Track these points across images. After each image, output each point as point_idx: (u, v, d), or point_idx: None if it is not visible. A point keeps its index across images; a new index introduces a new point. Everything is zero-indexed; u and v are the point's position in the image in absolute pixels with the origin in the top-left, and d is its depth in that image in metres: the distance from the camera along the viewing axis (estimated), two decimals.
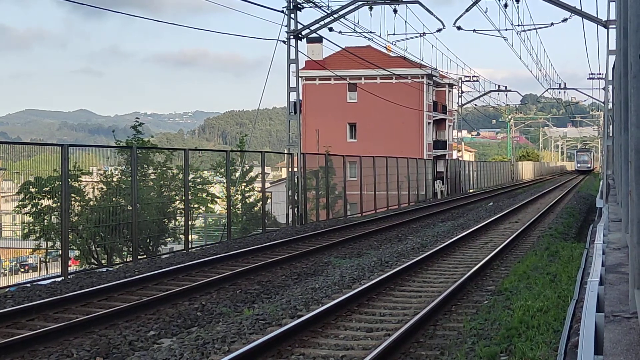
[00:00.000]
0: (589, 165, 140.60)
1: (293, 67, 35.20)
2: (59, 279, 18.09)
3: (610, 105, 34.57)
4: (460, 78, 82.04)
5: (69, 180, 20.48)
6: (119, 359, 11.34)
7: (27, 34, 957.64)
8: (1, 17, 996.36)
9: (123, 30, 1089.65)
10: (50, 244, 24.97)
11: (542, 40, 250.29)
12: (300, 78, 37.13)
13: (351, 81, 70.00)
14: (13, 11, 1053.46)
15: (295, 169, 34.49)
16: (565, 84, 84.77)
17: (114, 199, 26.55)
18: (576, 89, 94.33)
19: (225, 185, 29.09)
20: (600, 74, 68.54)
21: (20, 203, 24.72)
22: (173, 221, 28.10)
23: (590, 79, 71.15)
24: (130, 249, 22.91)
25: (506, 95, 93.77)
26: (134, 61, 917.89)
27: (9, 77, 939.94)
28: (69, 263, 20.25)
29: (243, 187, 33.02)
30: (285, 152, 36.15)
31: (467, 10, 35.58)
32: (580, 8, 33.10)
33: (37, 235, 25.06)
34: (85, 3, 21.99)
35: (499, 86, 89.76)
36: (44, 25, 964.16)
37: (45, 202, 24.92)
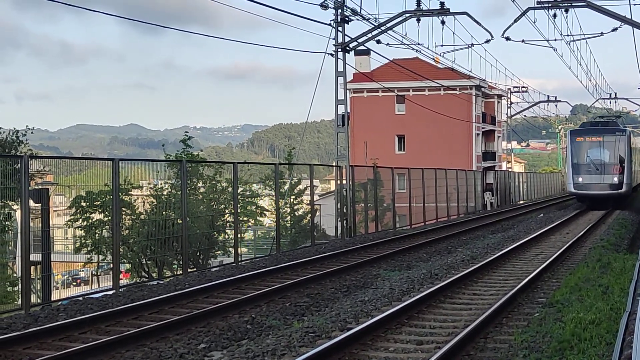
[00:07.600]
0: (615, 180, 49.16)
1: (341, 79, 35.24)
2: (110, 292, 18.23)
3: None
4: (509, 89, 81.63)
5: (120, 194, 20.64)
6: None
7: (86, 49, 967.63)
8: (63, 34, 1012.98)
9: (179, 45, 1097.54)
10: (101, 257, 25.25)
11: (592, 50, 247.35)
12: (348, 90, 37.11)
13: (399, 93, 69.89)
14: (75, 28, 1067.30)
15: (344, 182, 34.47)
16: (616, 93, 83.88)
17: (164, 213, 26.74)
18: (627, 99, 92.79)
19: (274, 198, 29.14)
20: None
21: (71, 217, 25.03)
22: (222, 234, 28.20)
23: None
24: (181, 262, 22.99)
25: (556, 105, 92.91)
26: (185, 75, 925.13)
27: (61, 92, 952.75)
28: (120, 276, 20.41)
29: (292, 200, 33.06)
30: (334, 164, 36.16)
31: (515, 21, 35.41)
32: (630, 17, 32.80)
33: (89, 249, 25.35)
34: (140, 20, 22.24)
35: (548, 97, 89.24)
36: (102, 41, 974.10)
37: (97, 216, 25.22)
